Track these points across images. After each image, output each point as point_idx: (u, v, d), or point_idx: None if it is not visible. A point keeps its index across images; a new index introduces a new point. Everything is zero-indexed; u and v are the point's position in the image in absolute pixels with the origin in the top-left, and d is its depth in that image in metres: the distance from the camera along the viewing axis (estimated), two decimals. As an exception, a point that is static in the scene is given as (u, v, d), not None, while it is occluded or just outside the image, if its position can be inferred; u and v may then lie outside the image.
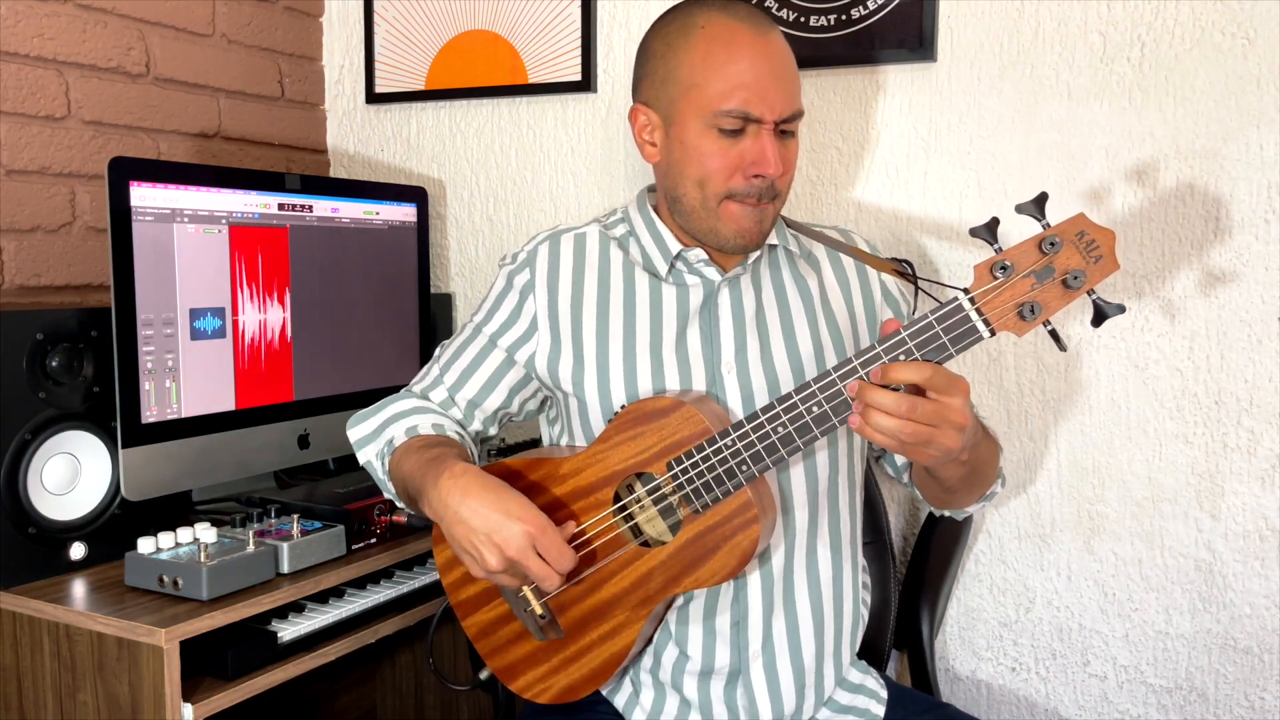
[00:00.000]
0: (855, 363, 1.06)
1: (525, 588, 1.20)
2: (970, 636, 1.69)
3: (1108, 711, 1.61)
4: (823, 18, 1.67)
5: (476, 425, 1.35)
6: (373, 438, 1.33)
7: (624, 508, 1.19)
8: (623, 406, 1.20)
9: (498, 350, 1.33)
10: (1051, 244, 1.01)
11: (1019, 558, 1.64)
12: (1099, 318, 1.03)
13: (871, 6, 1.64)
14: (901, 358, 1.04)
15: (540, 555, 1.10)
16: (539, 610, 1.21)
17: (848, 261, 1.35)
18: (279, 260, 1.64)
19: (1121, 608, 1.58)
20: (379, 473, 1.32)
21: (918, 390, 1.02)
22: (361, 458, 1.34)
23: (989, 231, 1.03)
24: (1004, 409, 1.63)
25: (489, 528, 1.09)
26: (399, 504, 1.33)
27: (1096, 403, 1.57)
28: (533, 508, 1.11)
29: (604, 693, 1.34)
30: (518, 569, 1.11)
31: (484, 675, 1.31)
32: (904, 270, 1.18)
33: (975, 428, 1.12)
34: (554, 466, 1.21)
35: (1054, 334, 1.04)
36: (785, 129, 1.21)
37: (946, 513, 1.37)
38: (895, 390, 1.02)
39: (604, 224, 1.36)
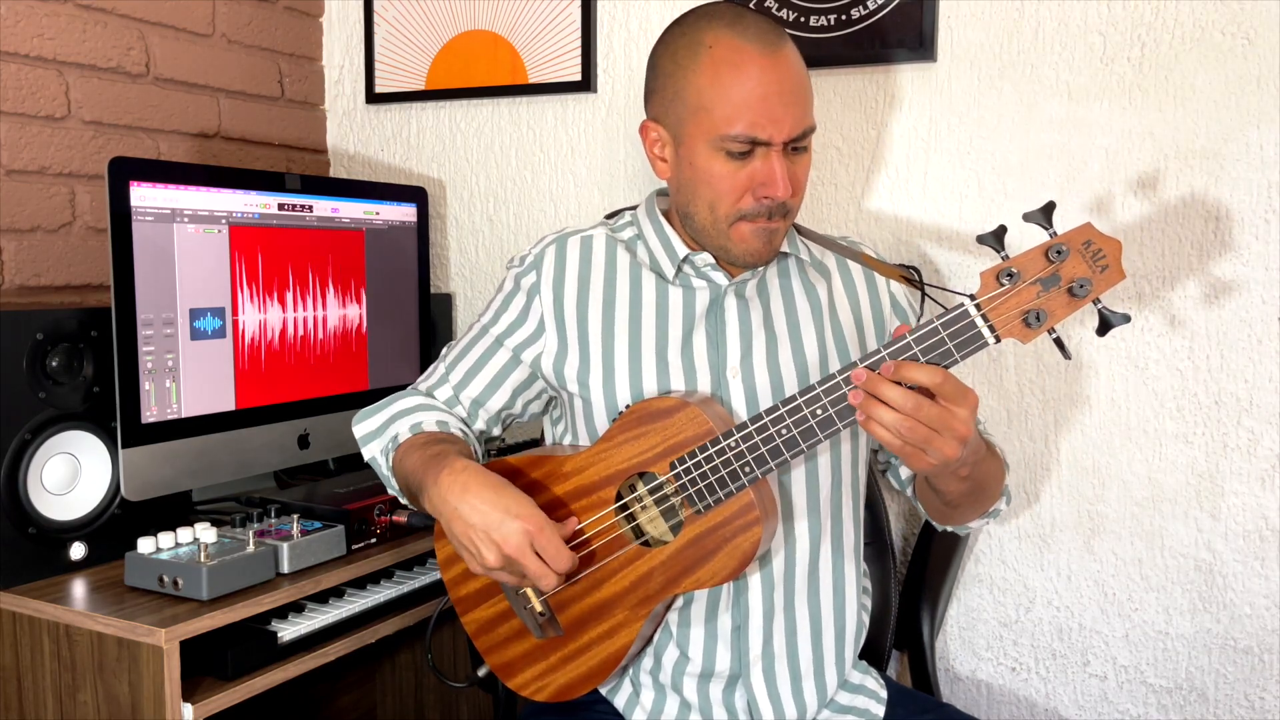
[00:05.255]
0: (860, 366, 1.07)
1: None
2: (970, 636, 1.69)
3: (1108, 711, 1.61)
4: (823, 18, 1.67)
5: (480, 424, 1.35)
6: (377, 434, 1.33)
7: (626, 507, 1.19)
8: (627, 406, 1.20)
9: (504, 350, 1.33)
10: (1058, 252, 1.02)
11: (1019, 558, 1.64)
12: (1104, 327, 1.03)
13: (871, 6, 1.64)
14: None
15: (538, 554, 1.10)
16: (538, 608, 1.21)
17: (857, 272, 1.35)
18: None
19: (1121, 608, 1.58)
20: (383, 469, 1.32)
21: (926, 394, 1.03)
22: (366, 454, 1.34)
23: (996, 239, 1.04)
24: (1004, 409, 1.63)
25: (487, 525, 1.10)
26: (402, 500, 1.33)
27: (1096, 403, 1.58)
28: (532, 506, 1.11)
29: (604, 692, 1.34)
30: (515, 567, 1.11)
31: (482, 672, 1.31)
32: (911, 277, 1.19)
33: (978, 444, 1.13)
34: (557, 464, 1.21)
35: (1059, 342, 1.04)
36: (796, 146, 1.20)
37: (949, 528, 1.37)
38: (903, 388, 1.03)
39: (611, 227, 1.36)
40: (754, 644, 1.26)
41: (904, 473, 1.38)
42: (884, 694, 1.32)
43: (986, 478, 1.23)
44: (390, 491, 1.35)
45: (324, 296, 1.70)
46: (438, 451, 1.20)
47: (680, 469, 1.14)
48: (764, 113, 1.16)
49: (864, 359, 1.07)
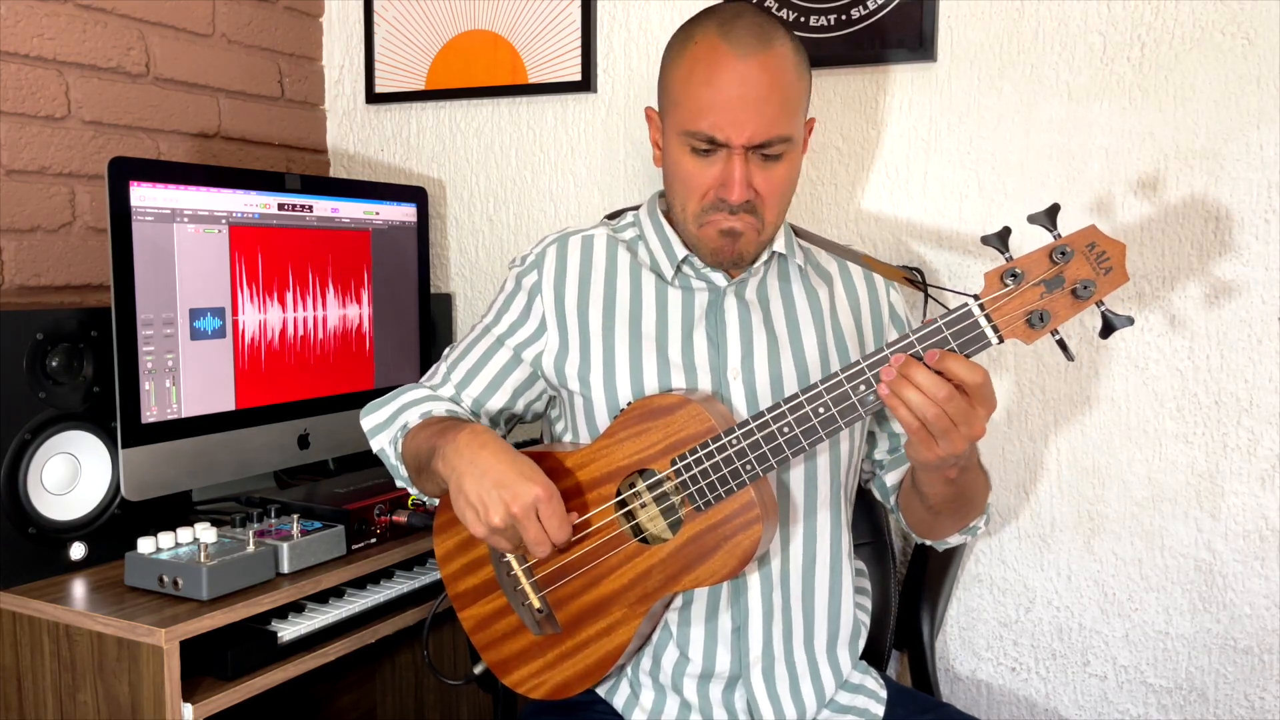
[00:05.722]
0: (863, 364, 1.07)
1: (522, 577, 1.21)
2: (970, 636, 1.69)
3: (1108, 711, 1.61)
4: (823, 18, 1.67)
5: (484, 423, 1.35)
6: (386, 425, 1.33)
7: (625, 503, 1.19)
8: (629, 403, 1.20)
9: (505, 349, 1.33)
10: (1062, 254, 1.02)
11: (1019, 558, 1.64)
12: (1107, 329, 1.03)
13: (871, 6, 1.64)
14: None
15: (540, 522, 1.11)
16: (536, 604, 1.21)
17: (858, 278, 1.35)
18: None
19: (1121, 608, 1.58)
20: (391, 458, 1.32)
21: (957, 389, 1.04)
22: (374, 445, 1.34)
23: (1000, 240, 1.04)
24: (1004, 409, 1.63)
25: (501, 482, 1.10)
26: (411, 490, 1.33)
27: (1096, 403, 1.58)
28: (544, 475, 1.12)
29: (602, 693, 1.33)
30: (515, 531, 1.12)
31: (479, 670, 1.31)
32: (914, 278, 1.19)
33: (973, 449, 1.14)
34: (558, 460, 1.21)
35: (1062, 343, 1.05)
36: (767, 154, 1.19)
37: (929, 541, 1.37)
38: (937, 376, 1.03)
39: (613, 227, 1.36)
40: (754, 645, 1.26)
41: (889, 480, 1.37)
42: (884, 694, 1.32)
43: (971, 487, 1.23)
44: (398, 482, 1.35)
45: (324, 296, 1.70)
46: (452, 423, 1.22)
47: (681, 465, 1.14)
48: (726, 114, 1.16)
49: (866, 358, 1.07)
